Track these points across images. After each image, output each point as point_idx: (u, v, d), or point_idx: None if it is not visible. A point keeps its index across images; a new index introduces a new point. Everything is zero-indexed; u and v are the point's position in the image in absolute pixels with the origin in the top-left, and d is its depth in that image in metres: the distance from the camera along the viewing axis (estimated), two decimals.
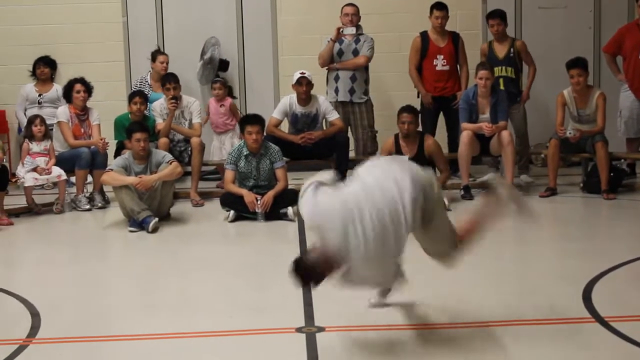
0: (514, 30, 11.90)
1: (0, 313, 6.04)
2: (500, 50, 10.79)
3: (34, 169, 9.61)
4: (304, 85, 10.10)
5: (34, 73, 11.58)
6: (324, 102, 10.31)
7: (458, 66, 11.02)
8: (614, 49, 10.71)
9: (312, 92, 10.23)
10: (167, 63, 11.21)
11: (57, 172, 9.71)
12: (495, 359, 4.64)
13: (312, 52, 11.06)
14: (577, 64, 9.99)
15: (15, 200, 9.92)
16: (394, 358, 4.67)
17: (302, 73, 10.11)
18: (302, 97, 10.17)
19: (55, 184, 9.99)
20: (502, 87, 10.60)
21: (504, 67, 10.76)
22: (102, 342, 5.27)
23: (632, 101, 10.53)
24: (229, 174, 9.17)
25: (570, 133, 9.92)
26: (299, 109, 10.22)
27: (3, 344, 5.15)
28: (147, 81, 11.36)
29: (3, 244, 8.55)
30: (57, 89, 11.32)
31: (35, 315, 5.72)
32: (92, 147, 9.96)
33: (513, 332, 5.13)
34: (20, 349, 5.07)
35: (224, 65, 12.04)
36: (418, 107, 10.26)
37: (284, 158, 9.34)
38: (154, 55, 11.38)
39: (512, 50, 10.76)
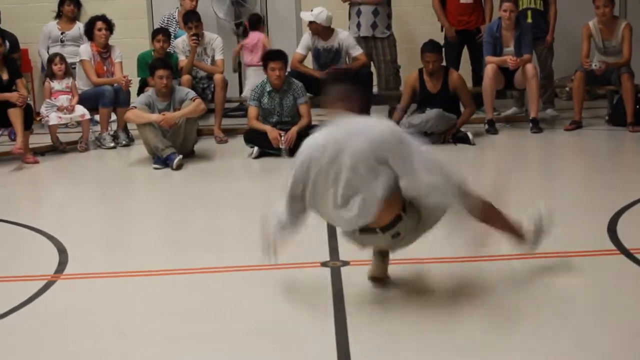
0: None
1: (28, 250, 6.10)
2: None
3: (58, 108, 9.64)
4: (313, 26, 10.10)
5: (60, 11, 11.54)
6: (347, 37, 10.24)
7: None
8: None
9: (335, 27, 10.18)
10: (197, 1, 11.07)
11: (81, 111, 9.72)
12: (519, 291, 4.64)
13: None
14: None
15: (40, 138, 9.97)
16: (419, 292, 4.69)
17: (311, 17, 10.08)
18: (319, 34, 10.15)
19: (79, 123, 10.01)
20: (529, 20, 10.46)
21: None
22: (129, 277, 5.31)
23: None
24: (252, 111, 9.15)
25: (595, 65, 9.82)
26: (320, 44, 10.19)
27: (32, 280, 5.21)
28: (174, 17, 11.32)
29: (29, 182, 8.62)
30: (79, 27, 11.29)
31: (62, 251, 5.77)
32: (115, 84, 9.97)
33: (537, 264, 5.12)
34: (49, 284, 5.13)
35: None
36: (441, 42, 10.17)
37: (308, 94, 9.32)
38: None
39: None
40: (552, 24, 10.63)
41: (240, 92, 11.80)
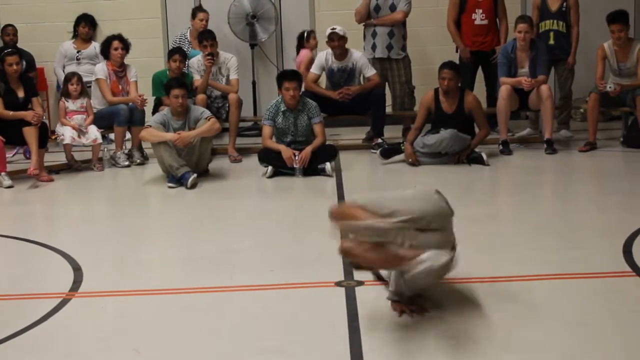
0: None
1: (43, 268, 6.11)
2: (553, 3, 10.57)
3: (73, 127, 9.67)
4: (335, 41, 10.08)
5: (75, 31, 11.63)
6: (360, 57, 10.27)
7: (497, 20, 10.90)
8: None
9: (350, 47, 10.20)
10: (207, 20, 11.21)
11: (94, 135, 9.73)
12: (534, 312, 4.63)
13: (349, 7, 11.00)
14: (617, 18, 9.86)
15: (55, 157, 10.01)
16: (435, 312, 4.67)
17: (333, 29, 10.07)
18: (336, 52, 10.15)
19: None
20: (551, 41, 10.46)
21: (555, 21, 10.55)
22: (143, 295, 5.32)
23: None
24: (266, 130, 9.18)
25: (610, 87, 9.82)
26: (335, 64, 10.21)
27: (46, 298, 5.22)
28: (186, 37, 11.41)
29: (44, 201, 8.64)
30: (95, 46, 11.38)
31: (77, 269, 5.78)
32: (130, 103, 10.00)
33: (552, 286, 5.12)
34: (64, 302, 5.13)
35: None
36: (457, 62, 10.18)
37: (322, 113, 9.34)
38: (194, 12, 11.39)
39: (564, 3, 10.53)
40: (574, 46, 10.59)
41: (255, 112, 11.91)
